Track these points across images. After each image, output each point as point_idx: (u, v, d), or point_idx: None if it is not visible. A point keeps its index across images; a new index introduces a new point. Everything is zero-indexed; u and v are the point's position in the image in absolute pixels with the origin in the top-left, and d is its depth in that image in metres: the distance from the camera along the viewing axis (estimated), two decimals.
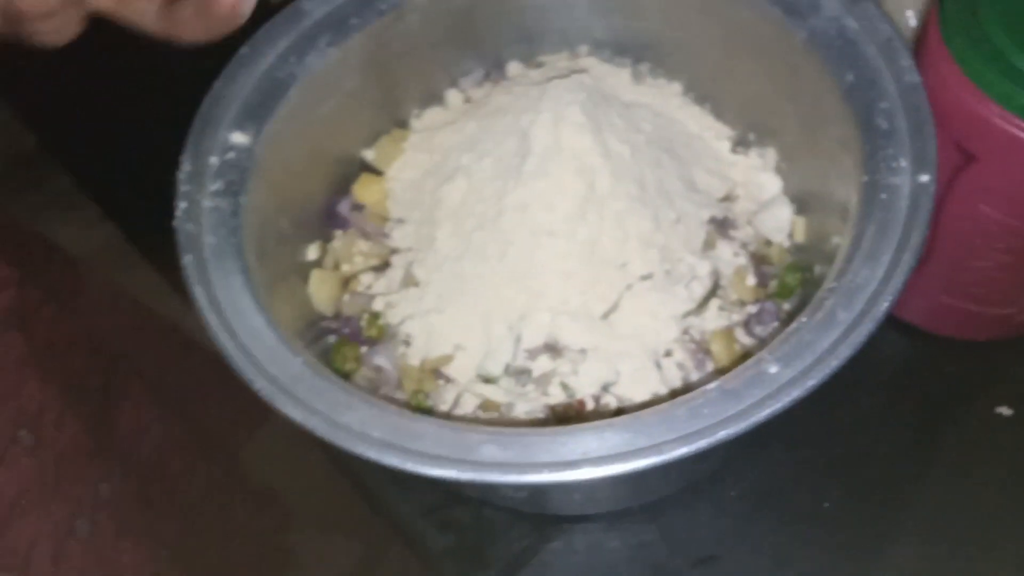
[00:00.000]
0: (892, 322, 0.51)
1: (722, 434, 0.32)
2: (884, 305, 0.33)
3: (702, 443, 0.32)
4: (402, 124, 0.53)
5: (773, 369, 0.33)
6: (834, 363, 0.32)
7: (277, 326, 0.38)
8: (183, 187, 0.41)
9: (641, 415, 0.33)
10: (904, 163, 0.37)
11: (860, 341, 0.33)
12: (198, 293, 0.38)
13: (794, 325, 0.35)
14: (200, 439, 0.70)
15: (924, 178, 0.36)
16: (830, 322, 0.34)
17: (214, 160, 0.42)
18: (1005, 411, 0.47)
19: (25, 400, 0.49)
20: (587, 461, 0.32)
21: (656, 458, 0.32)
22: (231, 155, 0.42)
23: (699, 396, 0.33)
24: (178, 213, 0.40)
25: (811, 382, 0.32)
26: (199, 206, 0.41)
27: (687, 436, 0.32)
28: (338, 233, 0.51)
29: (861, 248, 0.36)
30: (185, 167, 0.41)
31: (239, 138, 0.43)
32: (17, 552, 0.46)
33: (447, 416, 0.44)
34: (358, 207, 0.52)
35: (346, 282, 0.50)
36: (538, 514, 0.48)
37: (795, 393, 0.32)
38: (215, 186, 0.41)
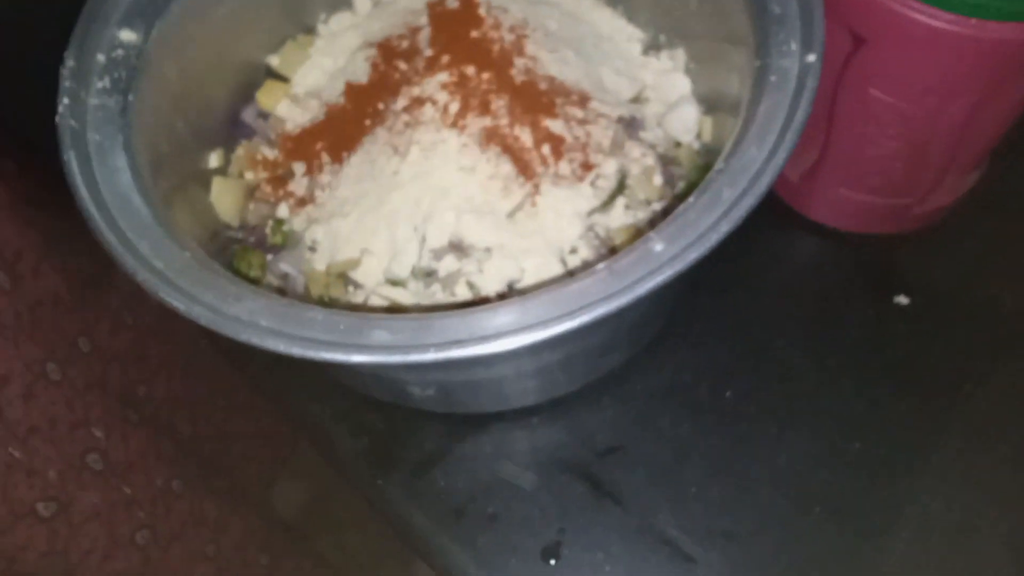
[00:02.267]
0: (797, 221, 0.52)
1: (605, 308, 0.32)
2: (765, 181, 0.34)
3: (585, 317, 0.32)
4: (309, 30, 0.52)
5: (658, 247, 0.34)
6: (714, 237, 0.33)
7: (165, 223, 0.37)
8: (66, 83, 0.39)
9: (531, 295, 0.34)
10: (794, 46, 0.37)
11: (740, 216, 0.33)
12: (80, 189, 0.37)
13: (682, 207, 0.35)
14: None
15: (811, 58, 0.36)
16: (715, 201, 0.34)
17: (100, 57, 0.41)
18: (902, 300, 0.49)
19: (1, 243, 0.48)
20: (475, 339, 0.33)
21: (542, 332, 0.32)
22: (119, 52, 0.41)
23: (588, 275, 0.34)
24: (60, 109, 0.38)
25: (692, 255, 0.33)
26: (84, 104, 0.39)
27: (574, 311, 0.33)
28: (242, 141, 0.50)
29: (750, 130, 0.36)
30: (69, 63, 0.40)
31: (127, 35, 0.42)
32: None
33: None
34: (263, 115, 0.50)
35: (251, 191, 0.49)
36: (448, 415, 0.48)
37: (676, 267, 0.33)
38: (101, 83, 0.40)
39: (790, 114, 0.36)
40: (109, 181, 0.37)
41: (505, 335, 0.33)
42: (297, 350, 0.33)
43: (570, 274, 0.44)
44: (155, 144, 0.41)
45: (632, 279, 0.33)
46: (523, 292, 0.44)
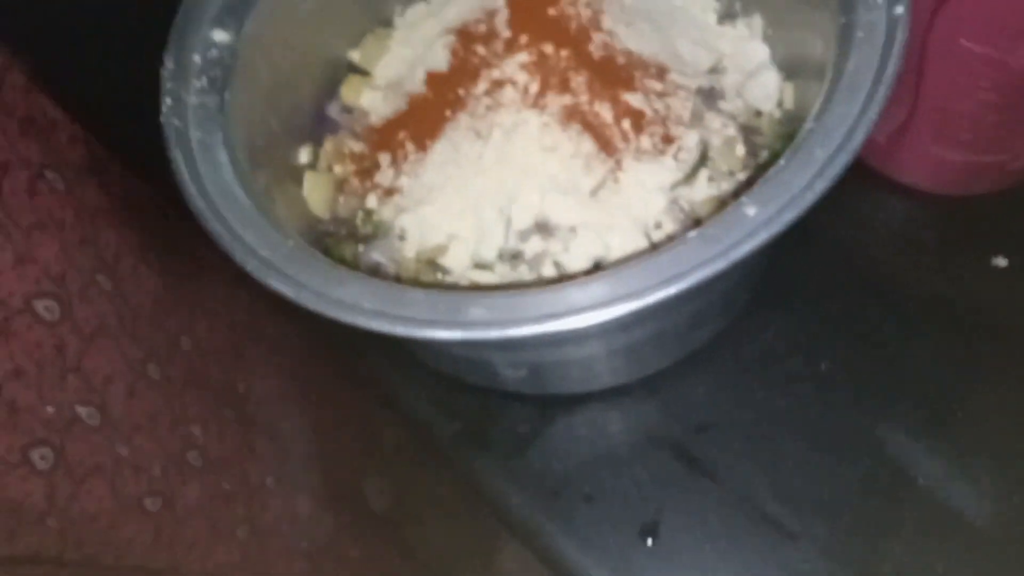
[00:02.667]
0: (888, 185, 0.50)
1: (700, 274, 0.32)
2: (859, 137, 0.33)
3: (681, 284, 0.32)
4: (387, 23, 0.53)
5: (751, 211, 0.33)
6: (810, 197, 0.32)
7: (268, 213, 0.39)
8: (167, 84, 0.41)
9: (623, 266, 0.34)
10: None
11: (835, 174, 0.33)
12: (187, 185, 0.38)
13: (773, 169, 0.35)
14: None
15: (898, 9, 0.35)
16: (807, 160, 0.34)
17: (196, 58, 0.43)
18: (1001, 262, 0.47)
19: (102, 247, 0.51)
20: (570, 312, 0.33)
21: (637, 302, 0.32)
22: (213, 52, 0.43)
23: (680, 243, 0.34)
24: (164, 109, 0.40)
25: (787, 216, 0.32)
26: (184, 103, 0.41)
27: (668, 280, 0.33)
28: (328, 136, 0.51)
29: (839, 88, 0.35)
30: (168, 64, 0.42)
31: (220, 35, 0.43)
32: (94, 385, 0.49)
33: None
34: (347, 109, 0.52)
35: (340, 184, 0.50)
36: (540, 396, 0.49)
37: (772, 229, 0.32)
38: (199, 83, 0.42)
39: (880, 69, 0.35)
40: (212, 176, 0.39)
41: (600, 306, 0.33)
42: (400, 329, 0.34)
43: (655, 248, 0.44)
44: (251, 140, 0.43)
45: (726, 244, 0.33)
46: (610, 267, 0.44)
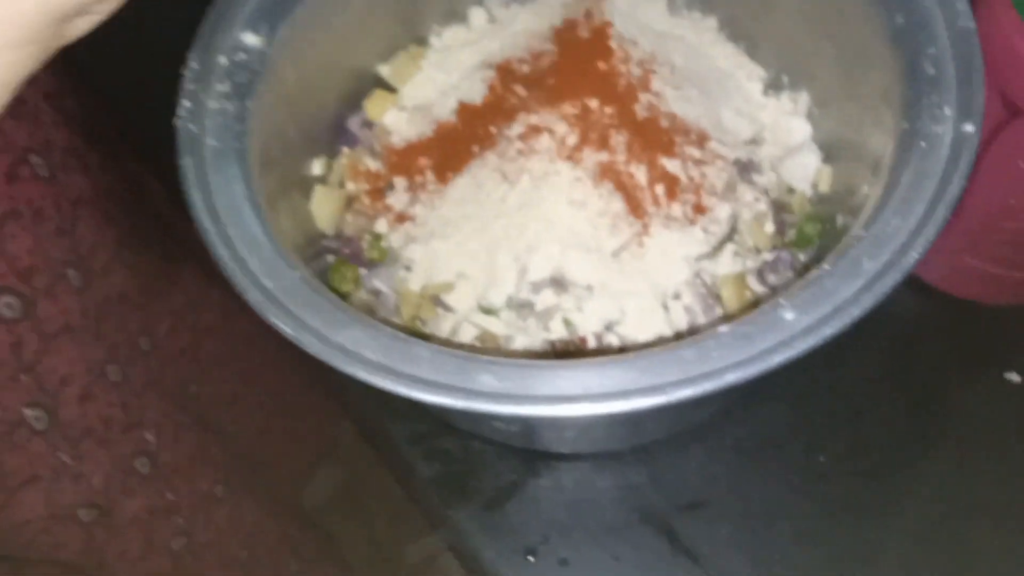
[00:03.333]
0: (909, 281, 0.49)
1: (730, 377, 0.31)
2: (913, 256, 0.32)
3: (708, 386, 0.31)
4: (421, 41, 0.51)
5: (789, 315, 0.32)
6: (855, 312, 0.31)
7: (276, 238, 0.37)
8: (188, 86, 0.39)
9: (646, 353, 0.32)
10: (948, 112, 0.35)
11: (884, 291, 0.31)
12: (194, 197, 0.36)
13: (815, 272, 0.33)
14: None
15: (969, 128, 0.34)
16: (854, 271, 0.32)
17: (223, 60, 0.40)
18: (1014, 378, 0.46)
19: (78, 239, 0.48)
20: (587, 397, 0.31)
21: (660, 398, 0.31)
22: (242, 56, 0.40)
23: (709, 338, 0.32)
24: (180, 112, 0.38)
25: (829, 330, 0.31)
26: (204, 107, 0.39)
27: (694, 378, 0.31)
28: (345, 150, 0.49)
29: (894, 197, 0.34)
30: (192, 65, 0.39)
31: (252, 39, 0.41)
32: (47, 387, 0.46)
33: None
34: (368, 124, 0.50)
35: (350, 201, 0.48)
36: (527, 449, 0.47)
37: (811, 341, 0.31)
38: (222, 87, 0.39)
39: (941, 186, 0.33)
40: (222, 190, 0.37)
41: (619, 396, 0.31)
42: (403, 390, 0.32)
43: (676, 334, 0.42)
44: (267, 148, 0.41)
45: (760, 348, 0.31)
46: (621, 335, 0.42)
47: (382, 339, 0.33)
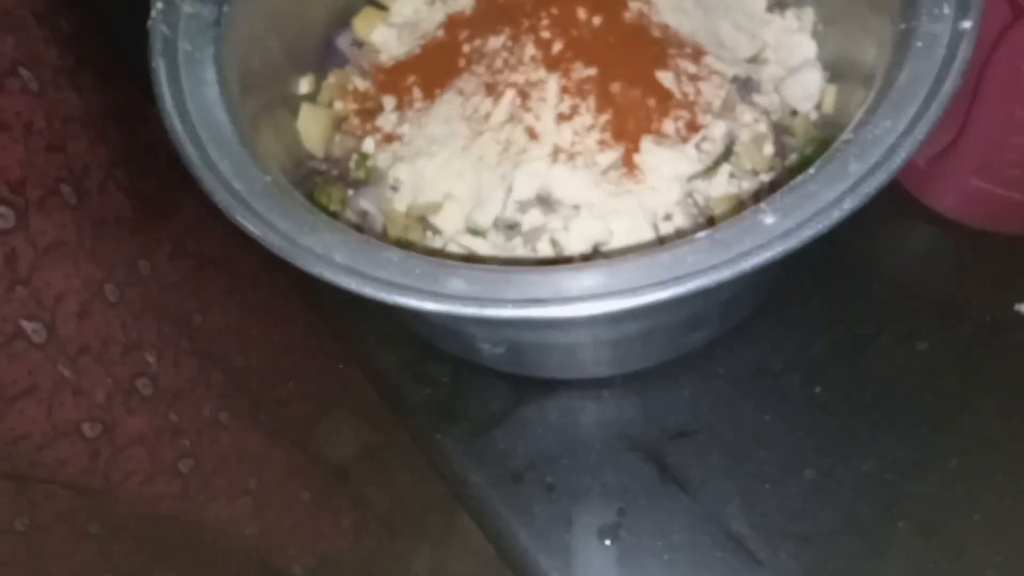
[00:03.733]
0: (917, 210, 0.47)
1: (702, 281, 0.29)
2: (901, 156, 0.30)
3: (679, 289, 0.29)
4: None
5: (769, 220, 0.30)
6: (836, 215, 0.29)
7: (249, 143, 0.36)
8: None
9: (621, 258, 0.31)
10: (947, 9, 0.33)
11: (868, 193, 0.30)
12: (165, 97, 0.35)
13: (800, 178, 0.32)
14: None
15: (966, 24, 0.32)
16: (839, 174, 0.31)
17: None
18: (1023, 309, 0.44)
19: (71, 156, 0.48)
20: (556, 300, 0.30)
21: (628, 301, 0.30)
22: None
23: (686, 243, 0.31)
24: (153, 14, 0.37)
25: (807, 232, 0.29)
26: (177, 10, 0.38)
27: (667, 281, 0.30)
28: (334, 69, 0.48)
29: (886, 100, 0.32)
30: None
31: None
32: (44, 302, 0.46)
33: None
34: (357, 43, 0.49)
35: (338, 122, 0.47)
36: (515, 376, 0.46)
37: (789, 243, 0.29)
38: None
39: (936, 84, 0.32)
40: (196, 94, 0.36)
41: (589, 298, 0.30)
42: (369, 290, 0.31)
43: (661, 242, 0.41)
44: (247, 61, 0.40)
45: (736, 252, 0.30)
46: (609, 255, 0.41)
47: (351, 243, 0.33)
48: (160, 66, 0.36)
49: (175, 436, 0.59)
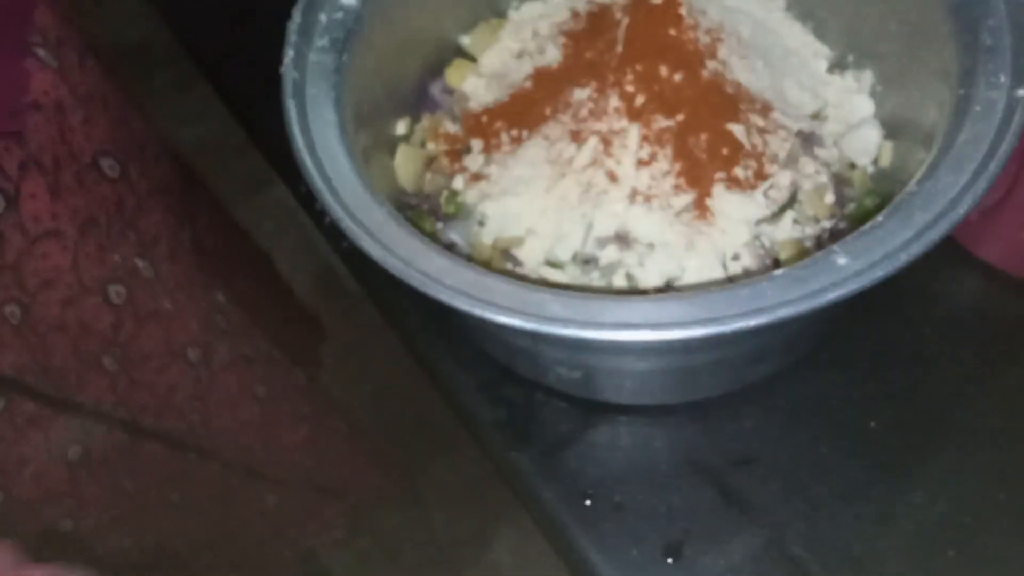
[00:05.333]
0: (967, 259, 0.50)
1: (781, 312, 0.33)
2: (963, 209, 0.33)
3: (761, 319, 0.33)
4: (500, 14, 0.54)
5: (842, 260, 0.34)
6: (903, 258, 0.33)
7: (365, 178, 0.40)
8: (292, 38, 0.43)
9: (704, 291, 0.34)
10: (1003, 78, 0.37)
11: (933, 240, 0.33)
12: (296, 135, 0.40)
13: (869, 224, 0.35)
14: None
15: (1021, 92, 0.35)
16: (905, 222, 0.34)
17: (323, 17, 0.44)
18: None
19: (135, 130, 0.56)
20: (647, 325, 0.34)
21: (714, 328, 0.33)
22: (339, 15, 0.44)
23: (764, 279, 0.34)
24: (286, 61, 0.42)
25: (878, 273, 0.33)
26: (305, 58, 0.43)
27: (747, 312, 0.33)
28: (427, 114, 0.52)
29: (947, 157, 0.36)
30: (296, 19, 0.43)
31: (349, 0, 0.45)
32: (146, 243, 0.54)
33: None
34: (448, 90, 0.53)
35: (429, 161, 0.52)
36: (586, 401, 0.49)
37: (860, 282, 0.33)
38: (321, 42, 0.43)
39: (994, 145, 0.35)
40: (320, 132, 0.40)
41: (679, 325, 0.33)
42: (478, 310, 0.35)
43: (730, 280, 0.44)
44: (358, 104, 0.44)
45: (812, 288, 0.33)
46: (682, 290, 0.45)
47: (460, 269, 0.37)
48: (291, 106, 0.40)
49: (251, 365, 0.66)
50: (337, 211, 0.37)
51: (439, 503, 1.12)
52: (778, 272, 0.34)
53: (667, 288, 0.45)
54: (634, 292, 0.44)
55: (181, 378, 0.59)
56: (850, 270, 0.33)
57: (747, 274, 0.45)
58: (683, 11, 0.45)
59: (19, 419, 0.48)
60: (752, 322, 0.33)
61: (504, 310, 0.35)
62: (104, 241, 0.50)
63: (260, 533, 0.81)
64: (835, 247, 0.35)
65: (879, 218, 0.35)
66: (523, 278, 0.46)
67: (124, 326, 0.53)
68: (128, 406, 0.57)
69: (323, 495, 0.86)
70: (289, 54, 0.42)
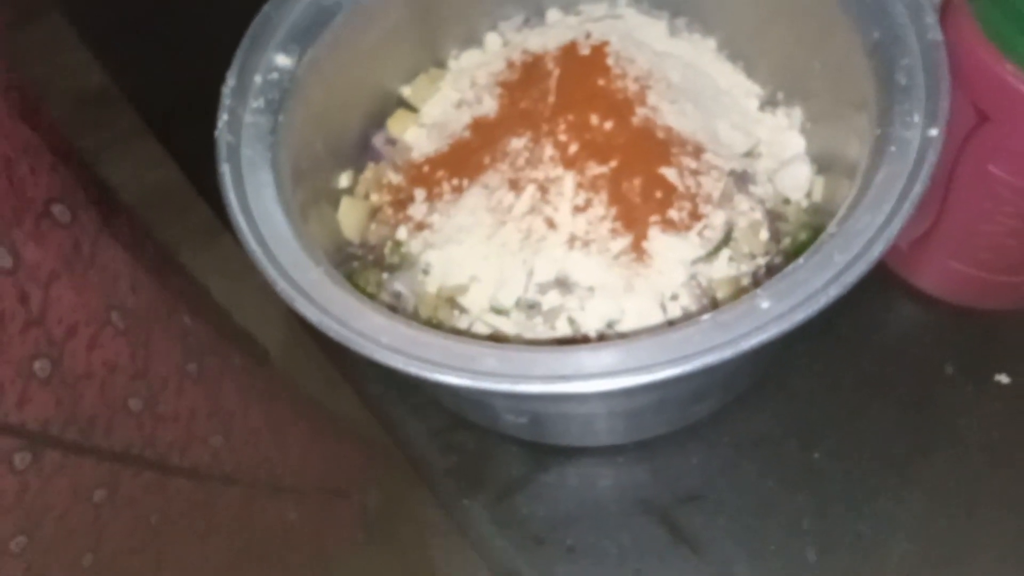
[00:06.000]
0: (903, 288, 0.52)
1: (707, 359, 0.33)
2: (878, 249, 0.34)
3: (687, 366, 0.33)
4: (440, 64, 0.55)
5: (765, 304, 0.35)
6: (823, 300, 0.34)
7: (303, 239, 0.40)
8: (226, 100, 0.43)
9: (635, 338, 0.35)
10: (917, 118, 0.38)
11: (851, 281, 0.34)
12: (231, 199, 0.40)
13: (791, 266, 0.36)
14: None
15: (933, 132, 0.37)
16: (825, 264, 0.35)
17: (258, 79, 0.44)
18: (1004, 379, 0.48)
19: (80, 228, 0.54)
20: (579, 376, 0.34)
21: (644, 377, 0.34)
22: (274, 75, 0.45)
23: (692, 325, 0.35)
24: (220, 124, 0.42)
25: (799, 316, 0.34)
26: (240, 120, 0.43)
27: (675, 359, 0.34)
28: (370, 164, 0.53)
29: (866, 197, 0.37)
30: (230, 82, 0.44)
31: (283, 60, 0.45)
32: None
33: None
34: (391, 141, 0.54)
35: (374, 212, 0.52)
36: (536, 444, 0.50)
37: (782, 326, 0.34)
38: (256, 103, 0.44)
39: (908, 185, 0.36)
40: (256, 194, 0.41)
41: (607, 375, 0.34)
42: (414, 369, 0.35)
43: (669, 321, 0.45)
44: (296, 161, 0.45)
45: (737, 333, 0.34)
46: (622, 333, 0.45)
47: (396, 327, 0.37)
48: (226, 171, 0.41)
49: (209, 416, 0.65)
50: (272, 274, 0.38)
51: None
52: (705, 317, 0.35)
53: (608, 331, 0.45)
54: (575, 339, 0.45)
55: (195, 398, 0.59)
56: (772, 313, 0.34)
57: (685, 313, 0.46)
58: (610, 61, 0.46)
59: (46, 469, 0.48)
60: (679, 369, 0.34)
61: (439, 367, 0.35)
62: (86, 274, 0.50)
63: (282, 551, 0.81)
64: (759, 291, 0.35)
65: (800, 260, 0.36)
66: (466, 330, 0.47)
67: (138, 354, 0.53)
68: (156, 446, 0.57)
69: (334, 497, 0.87)
70: (223, 118, 0.42)
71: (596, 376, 0.34)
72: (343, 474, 0.90)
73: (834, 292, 0.34)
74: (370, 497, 0.98)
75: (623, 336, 0.45)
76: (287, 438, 0.76)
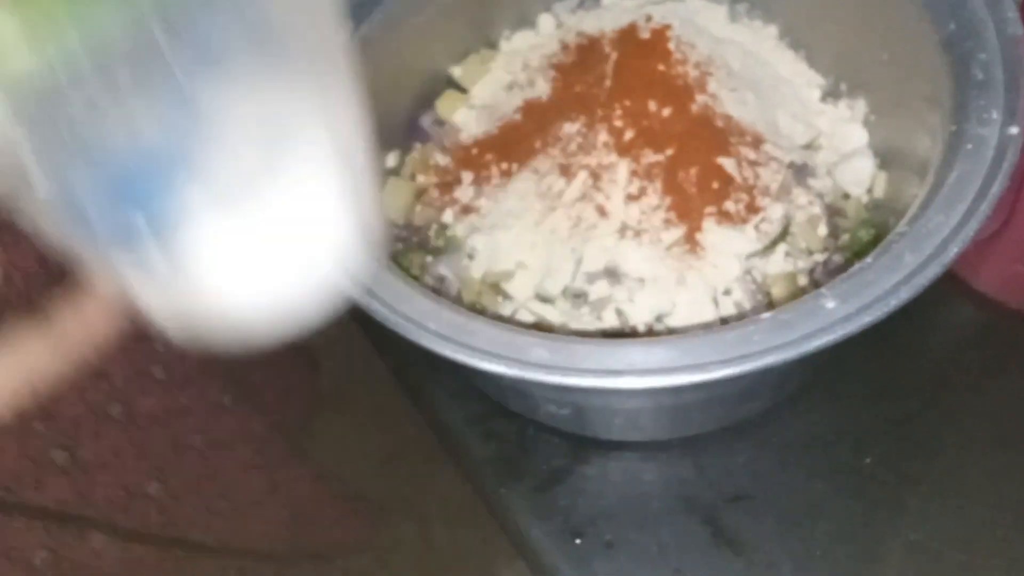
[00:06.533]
0: (963, 290, 0.50)
1: (768, 360, 0.32)
2: (953, 251, 0.33)
3: (746, 366, 0.32)
4: (492, 45, 0.54)
5: (830, 304, 0.33)
6: (893, 303, 0.32)
7: None
8: None
9: (690, 335, 0.34)
10: (995, 115, 0.36)
11: (923, 284, 0.32)
12: None
13: (857, 266, 0.34)
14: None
15: (1013, 130, 0.35)
16: (895, 264, 0.34)
17: None
18: None
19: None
20: (631, 371, 0.33)
21: (699, 376, 0.32)
22: None
23: (751, 323, 0.34)
24: None
25: (866, 319, 0.32)
26: None
27: (732, 359, 0.33)
28: (417, 145, 0.52)
29: (938, 196, 0.35)
30: None
31: None
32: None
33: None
34: (439, 122, 0.53)
35: (419, 193, 0.51)
36: (578, 436, 0.49)
37: (848, 328, 0.32)
38: None
39: (984, 185, 0.34)
40: None
41: (662, 372, 0.33)
42: (462, 357, 0.34)
43: (722, 317, 0.44)
44: None
45: (800, 334, 0.33)
46: (672, 327, 0.44)
47: (444, 313, 0.36)
48: None
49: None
50: None
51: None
52: (765, 316, 0.34)
53: (657, 325, 0.44)
54: (623, 332, 0.44)
55: (204, 467, 0.57)
56: (838, 314, 0.33)
57: (738, 309, 0.44)
58: (671, 46, 0.45)
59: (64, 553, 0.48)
60: (737, 369, 0.32)
61: (488, 356, 0.34)
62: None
63: None
64: (823, 290, 0.34)
65: (868, 259, 0.34)
66: (511, 317, 0.46)
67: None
68: (177, 524, 0.56)
69: (315, 562, 0.84)
70: None
71: (650, 372, 0.33)
72: (321, 536, 0.85)
73: (905, 295, 0.32)
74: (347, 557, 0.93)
75: (673, 331, 0.43)
76: (275, 506, 0.70)
